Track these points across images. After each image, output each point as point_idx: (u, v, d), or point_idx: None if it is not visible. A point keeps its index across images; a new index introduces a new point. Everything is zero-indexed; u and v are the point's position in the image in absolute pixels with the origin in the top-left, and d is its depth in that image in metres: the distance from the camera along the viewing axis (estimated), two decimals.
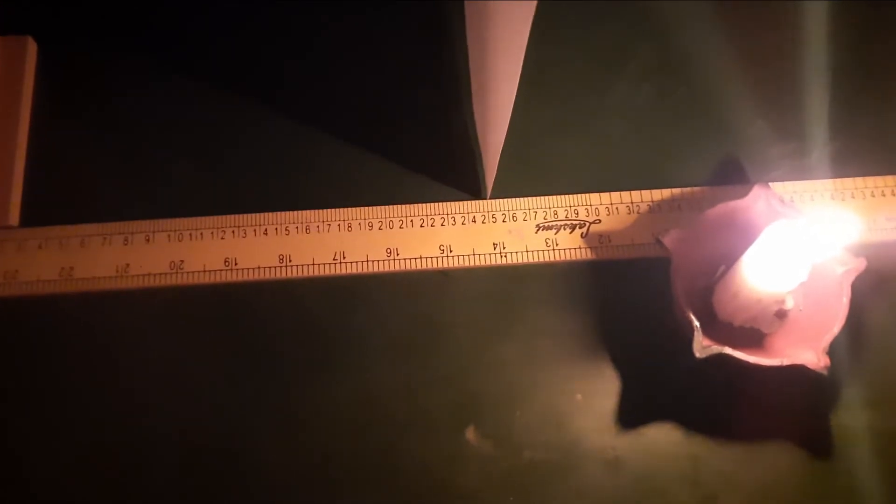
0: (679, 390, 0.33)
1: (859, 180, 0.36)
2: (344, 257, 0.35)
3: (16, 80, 0.38)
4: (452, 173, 0.36)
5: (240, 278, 0.35)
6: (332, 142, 0.37)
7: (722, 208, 0.33)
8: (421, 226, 0.36)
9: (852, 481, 0.32)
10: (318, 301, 0.35)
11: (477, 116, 0.31)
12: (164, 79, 0.38)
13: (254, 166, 0.37)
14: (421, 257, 0.35)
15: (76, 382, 0.34)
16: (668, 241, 0.32)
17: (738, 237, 0.32)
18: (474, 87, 0.30)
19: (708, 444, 0.33)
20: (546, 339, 0.34)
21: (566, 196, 0.36)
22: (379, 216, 0.36)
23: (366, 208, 0.36)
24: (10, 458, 0.33)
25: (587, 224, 0.36)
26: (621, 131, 0.38)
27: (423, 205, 0.36)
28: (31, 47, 0.38)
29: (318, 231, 0.36)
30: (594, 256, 0.35)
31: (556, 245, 0.35)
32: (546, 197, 0.36)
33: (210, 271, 0.35)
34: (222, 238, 0.35)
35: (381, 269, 0.35)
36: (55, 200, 0.36)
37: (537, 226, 0.36)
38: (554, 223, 0.36)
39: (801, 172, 0.37)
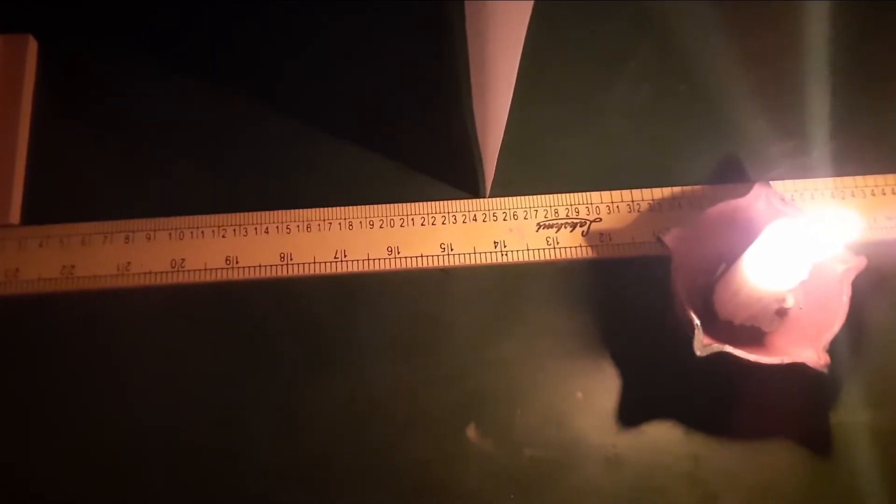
0: (679, 388, 0.33)
1: (859, 179, 0.36)
2: (345, 255, 0.35)
3: (16, 79, 0.38)
4: (452, 172, 0.36)
5: (241, 276, 0.35)
6: (332, 140, 0.37)
7: (722, 207, 0.33)
8: (422, 224, 0.36)
9: (853, 479, 0.32)
10: (319, 299, 0.35)
11: (476, 115, 0.31)
12: (164, 77, 0.38)
13: (255, 165, 0.37)
14: (422, 256, 0.35)
15: (77, 381, 0.34)
16: (668, 239, 0.32)
17: (739, 236, 0.32)
18: (474, 85, 0.30)
19: (708, 442, 0.33)
20: (547, 337, 0.34)
21: (567, 195, 0.36)
22: (380, 214, 0.36)
23: (367, 207, 0.36)
24: (11, 456, 0.33)
25: (588, 222, 0.36)
26: (622, 130, 0.38)
27: (424, 203, 0.36)
28: (32, 45, 0.38)
29: (319, 229, 0.36)
30: (595, 255, 0.35)
31: (557, 243, 0.36)
32: (547, 195, 0.36)
33: (211, 269, 0.35)
34: (223, 236, 0.35)
35: (382, 267, 0.35)
36: (56, 198, 0.36)
37: (538, 224, 0.36)
38: (555, 222, 0.36)
39: (801, 171, 0.37)
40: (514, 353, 0.34)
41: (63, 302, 0.35)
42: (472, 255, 0.35)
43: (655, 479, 0.32)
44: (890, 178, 0.36)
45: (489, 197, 0.36)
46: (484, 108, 0.31)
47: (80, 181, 0.37)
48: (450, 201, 0.36)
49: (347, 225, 0.36)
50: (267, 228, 0.36)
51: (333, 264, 0.35)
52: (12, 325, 0.34)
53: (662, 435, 0.33)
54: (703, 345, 0.30)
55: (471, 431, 0.33)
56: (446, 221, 0.36)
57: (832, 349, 0.30)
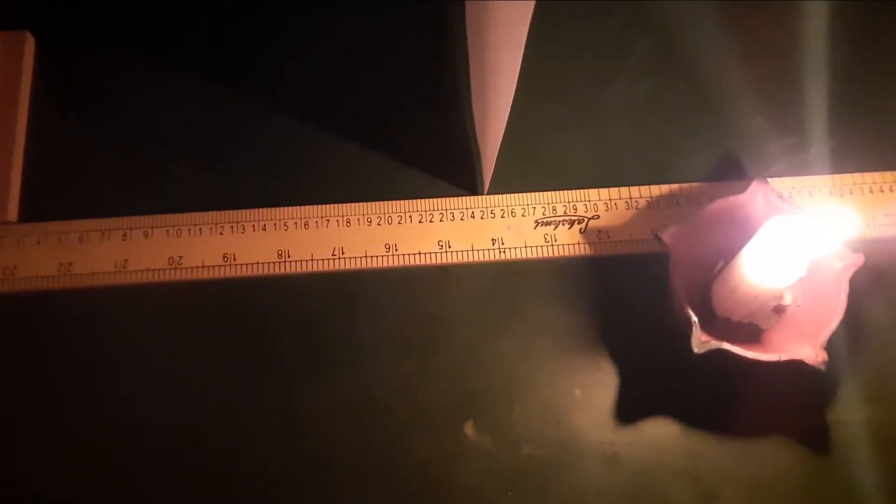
0: (678, 386, 0.33)
1: (857, 176, 0.36)
2: (343, 253, 0.35)
3: (14, 75, 0.37)
4: (450, 169, 0.36)
5: (238, 274, 0.35)
6: (330, 138, 0.37)
7: (720, 204, 0.33)
8: (420, 221, 0.36)
9: (850, 476, 0.32)
10: (317, 296, 0.35)
11: (476, 113, 0.31)
12: (162, 74, 0.38)
13: (252, 162, 0.37)
14: (420, 253, 0.35)
15: (75, 378, 0.34)
16: (666, 236, 0.32)
17: (737, 233, 0.32)
18: (474, 83, 0.30)
19: (706, 439, 0.33)
20: (545, 334, 0.34)
21: (565, 192, 0.36)
22: (377, 212, 0.36)
23: (364, 204, 0.36)
24: (10, 454, 0.33)
25: (586, 220, 0.36)
26: (620, 127, 0.38)
27: (422, 200, 0.36)
28: (29, 42, 0.38)
29: (317, 226, 0.36)
30: (593, 252, 0.35)
31: (555, 241, 0.36)
32: (545, 193, 0.36)
33: (209, 267, 0.35)
34: (221, 233, 0.35)
35: (380, 264, 0.35)
36: (53, 196, 0.36)
37: (536, 221, 0.36)
38: (552, 219, 0.36)
39: (799, 168, 0.37)
40: (512, 350, 0.34)
41: (61, 299, 0.35)
42: (470, 253, 0.35)
43: (653, 477, 0.32)
44: (888, 175, 0.36)
45: (487, 194, 0.36)
46: (484, 106, 0.31)
47: (77, 178, 0.37)
48: (447, 198, 0.36)
49: (345, 222, 0.36)
50: (265, 225, 0.36)
51: (331, 261, 0.35)
52: (10, 322, 0.34)
53: (660, 432, 0.33)
54: (701, 342, 0.30)
55: (469, 429, 0.33)
56: (444, 219, 0.36)
57: (830, 346, 0.30)
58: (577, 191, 0.36)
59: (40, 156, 0.37)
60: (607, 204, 0.36)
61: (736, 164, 0.37)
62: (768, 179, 0.33)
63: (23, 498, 0.32)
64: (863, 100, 0.38)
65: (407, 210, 0.36)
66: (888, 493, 0.32)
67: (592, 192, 0.36)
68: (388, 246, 0.35)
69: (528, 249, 0.35)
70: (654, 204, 0.36)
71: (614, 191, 0.36)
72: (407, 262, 0.35)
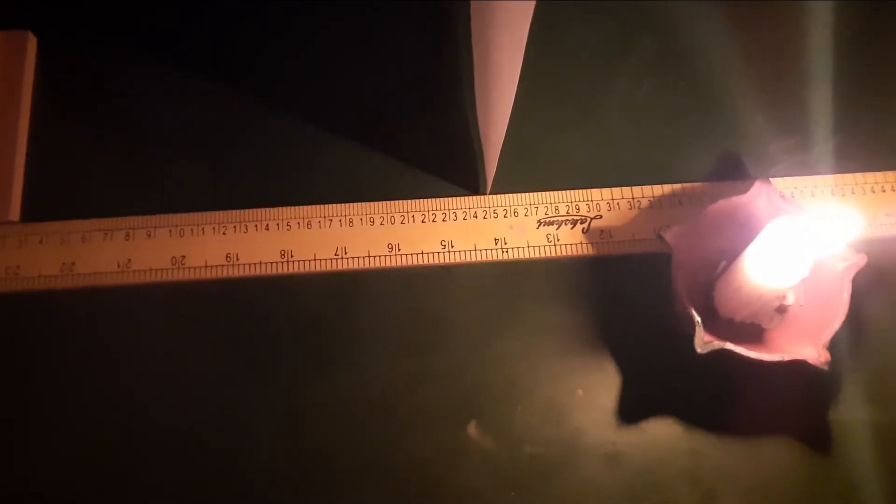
0: (679, 385, 0.33)
1: (859, 176, 0.36)
2: (345, 252, 0.35)
3: (16, 75, 0.37)
4: (453, 169, 0.36)
5: (241, 273, 0.35)
6: (333, 137, 0.37)
7: (723, 204, 0.33)
8: (422, 221, 0.36)
9: (852, 476, 0.32)
10: (320, 296, 0.35)
11: (478, 112, 0.31)
12: (165, 73, 0.38)
13: (255, 161, 0.37)
14: (422, 253, 0.35)
15: (77, 378, 0.34)
16: (669, 236, 0.32)
17: (739, 233, 0.32)
18: (476, 83, 0.30)
19: (708, 439, 0.33)
20: (547, 334, 0.34)
21: (567, 192, 0.36)
22: (380, 211, 0.36)
23: (367, 203, 0.36)
24: (11, 454, 0.33)
25: (588, 219, 0.36)
26: (622, 127, 0.38)
27: (425, 200, 0.36)
28: (31, 42, 0.38)
29: (320, 226, 0.36)
30: (595, 252, 0.35)
31: (558, 240, 0.36)
32: (547, 192, 0.36)
33: (211, 267, 0.35)
34: (224, 233, 0.35)
35: (383, 264, 0.35)
36: (56, 195, 0.36)
37: (538, 221, 0.36)
38: (555, 219, 0.36)
39: (802, 168, 0.37)
40: (514, 350, 0.34)
41: (63, 299, 0.35)
42: (473, 252, 0.35)
43: (655, 476, 0.33)
44: (890, 174, 0.36)
45: (490, 194, 0.36)
46: (487, 106, 0.31)
47: (80, 178, 0.37)
48: (450, 198, 0.36)
49: (348, 222, 0.36)
50: (267, 225, 0.36)
51: (334, 261, 0.35)
52: (13, 322, 0.34)
53: (662, 432, 0.33)
54: (704, 342, 0.30)
55: (471, 428, 0.33)
56: (447, 218, 0.36)
57: (832, 346, 0.30)
58: (580, 190, 0.36)
59: (42, 155, 0.37)
60: (610, 204, 0.36)
61: (738, 163, 0.37)
62: (771, 179, 0.33)
63: (23, 498, 0.32)
64: (864, 99, 0.38)
65: (410, 210, 0.36)
66: (890, 494, 0.32)
67: (595, 192, 0.36)
68: (390, 246, 0.35)
69: (531, 249, 0.35)
70: (657, 204, 0.36)
71: (617, 190, 0.36)
72: (410, 262, 0.35)
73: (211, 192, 0.36)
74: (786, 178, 0.36)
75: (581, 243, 0.35)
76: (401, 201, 0.36)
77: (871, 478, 0.32)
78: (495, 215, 0.36)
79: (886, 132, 0.37)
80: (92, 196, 0.36)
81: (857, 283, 0.31)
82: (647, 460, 0.33)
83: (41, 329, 0.34)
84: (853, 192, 0.36)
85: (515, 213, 0.36)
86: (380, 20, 0.39)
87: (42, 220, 0.36)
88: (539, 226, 0.36)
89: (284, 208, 0.36)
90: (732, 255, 0.32)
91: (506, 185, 0.36)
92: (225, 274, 0.35)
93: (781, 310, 0.32)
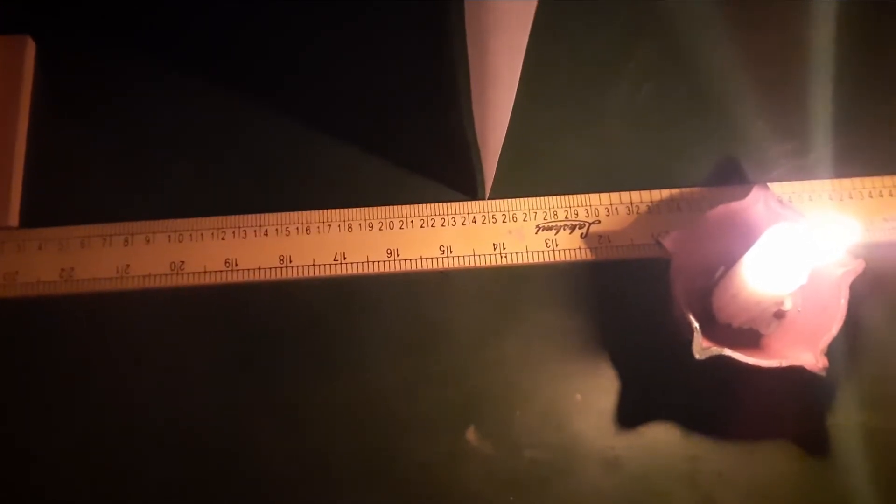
0: (678, 391, 0.33)
1: (857, 181, 0.36)
2: (344, 258, 0.35)
3: (14, 80, 0.37)
4: (452, 174, 0.36)
5: (240, 279, 0.35)
6: (331, 142, 0.37)
7: (721, 210, 0.33)
8: (421, 226, 0.36)
9: (850, 481, 0.32)
10: (319, 302, 0.35)
11: (476, 117, 0.31)
12: (163, 79, 0.38)
13: (254, 167, 0.37)
14: (421, 258, 0.35)
15: (76, 384, 0.34)
16: (667, 242, 0.32)
17: (738, 238, 0.32)
18: (474, 87, 0.30)
19: (707, 444, 0.33)
20: (546, 339, 0.35)
21: (566, 196, 0.36)
22: (379, 217, 0.36)
23: (366, 209, 0.36)
24: (11, 459, 0.33)
25: (587, 224, 0.36)
26: (621, 131, 0.38)
27: (424, 205, 0.36)
28: (30, 47, 0.38)
29: (319, 232, 0.36)
30: (594, 257, 0.35)
31: (556, 245, 0.36)
32: (546, 197, 0.36)
33: (210, 272, 0.35)
34: (223, 239, 0.35)
35: (382, 269, 0.35)
36: (54, 201, 0.36)
37: (537, 226, 0.36)
38: (554, 224, 0.36)
39: (799, 172, 0.37)
40: (513, 355, 0.34)
41: (62, 305, 0.35)
42: (472, 258, 0.35)
43: (654, 481, 0.33)
44: (888, 179, 0.36)
45: (489, 199, 0.36)
46: (484, 110, 0.31)
47: (78, 183, 0.37)
48: (449, 203, 0.36)
49: (347, 227, 0.36)
50: (266, 231, 0.36)
51: (333, 266, 0.35)
52: (11, 327, 0.34)
53: (661, 437, 0.33)
54: (702, 348, 0.30)
55: (470, 433, 0.33)
56: (445, 223, 0.36)
57: (830, 352, 0.30)
58: (579, 195, 0.36)
59: (41, 161, 0.37)
60: (608, 209, 0.36)
61: (737, 168, 0.37)
62: (769, 184, 0.33)
63: (23, 499, 0.32)
64: (863, 104, 0.38)
65: (408, 215, 0.36)
66: (887, 498, 0.32)
67: (594, 197, 0.36)
68: (389, 251, 0.35)
69: (530, 254, 0.35)
70: (655, 209, 0.36)
71: (615, 195, 0.36)
72: (408, 268, 0.35)
73: (210, 197, 0.36)
74: (784, 182, 0.36)
75: (579, 248, 0.36)
76: (399, 206, 0.36)
77: (869, 483, 0.32)
78: (494, 220, 0.36)
79: (885, 137, 0.37)
80: (91, 201, 0.36)
81: (855, 288, 0.31)
82: (645, 465, 0.33)
83: (40, 335, 0.34)
84: (851, 197, 0.36)
85: (514, 218, 0.36)
86: (379, 22, 0.39)
87: (41, 226, 0.36)
88: (538, 231, 0.36)
89: (283, 213, 0.36)
90: (731, 260, 0.32)
91: (505, 189, 0.36)
92: (224, 279, 0.35)
93: (779, 315, 0.33)
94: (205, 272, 0.35)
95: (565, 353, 0.34)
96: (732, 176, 0.37)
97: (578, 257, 0.35)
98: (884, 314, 0.34)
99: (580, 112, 0.38)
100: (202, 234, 0.35)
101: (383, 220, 0.36)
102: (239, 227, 0.36)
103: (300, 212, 0.36)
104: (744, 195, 0.33)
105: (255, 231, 0.36)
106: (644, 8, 0.39)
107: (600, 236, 0.36)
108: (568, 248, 0.36)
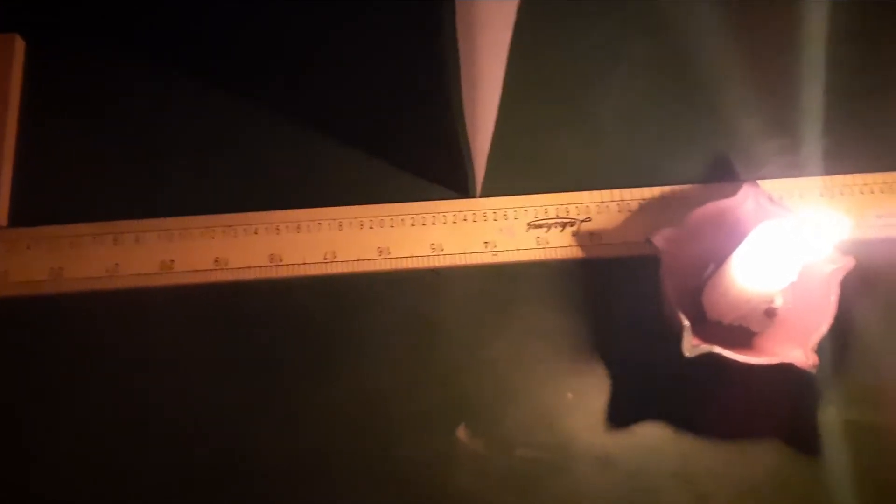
0: (669, 388, 0.33)
1: (848, 177, 0.36)
2: (335, 256, 0.35)
3: (3, 79, 0.37)
4: (442, 172, 0.36)
5: (230, 278, 0.35)
6: (322, 141, 0.37)
7: (711, 207, 0.33)
8: (412, 225, 0.36)
9: (840, 478, 0.32)
10: (309, 300, 0.35)
11: (467, 115, 0.31)
12: (153, 77, 0.38)
13: (244, 165, 0.37)
14: (412, 256, 0.35)
15: (67, 383, 0.34)
16: (657, 240, 0.32)
17: (728, 236, 0.32)
18: (464, 84, 0.30)
19: (698, 441, 0.33)
20: (537, 337, 0.34)
21: (557, 194, 0.36)
22: (370, 215, 0.36)
23: (356, 207, 0.36)
24: (2, 458, 0.33)
25: (578, 222, 0.36)
26: (612, 129, 0.38)
27: (414, 203, 0.36)
28: (19, 45, 0.38)
29: (309, 230, 0.36)
30: (585, 255, 0.35)
31: (547, 243, 0.36)
32: (537, 195, 0.36)
33: (200, 271, 0.35)
34: (212, 237, 0.35)
35: (372, 268, 0.35)
36: (44, 200, 0.36)
37: (528, 224, 0.36)
38: (545, 221, 0.36)
39: (790, 169, 0.37)
40: (504, 353, 0.34)
41: (52, 304, 0.34)
42: (463, 256, 0.35)
43: (646, 479, 0.33)
44: (879, 176, 0.36)
45: (480, 197, 0.36)
46: (474, 108, 0.31)
47: (67, 182, 0.36)
48: (440, 201, 0.36)
49: (337, 225, 0.36)
50: (256, 229, 0.36)
51: (323, 265, 0.35)
52: (1, 327, 0.34)
53: (652, 435, 0.33)
54: (692, 346, 0.30)
55: (461, 431, 0.33)
56: (436, 222, 0.36)
57: (820, 348, 0.30)
58: (570, 193, 0.36)
59: (31, 160, 0.37)
60: (599, 206, 0.36)
61: (728, 165, 0.37)
62: (760, 181, 0.33)
63: (20, 499, 0.32)
64: (853, 100, 0.38)
65: (399, 213, 0.36)
66: (877, 495, 0.32)
67: (584, 195, 0.36)
68: (380, 249, 0.35)
69: (521, 252, 0.35)
70: (646, 206, 0.36)
71: (606, 193, 0.36)
72: (399, 266, 0.35)
73: (199, 196, 0.36)
74: (775, 179, 0.36)
75: (571, 246, 0.35)
76: (390, 205, 0.36)
77: (860, 479, 0.32)
78: (485, 218, 0.36)
79: (875, 133, 0.37)
80: (80, 200, 0.36)
81: (846, 284, 0.31)
82: (637, 463, 0.33)
83: (30, 334, 0.34)
84: (842, 194, 0.36)
85: (505, 216, 0.36)
86: (370, 21, 0.39)
87: (30, 225, 0.36)
88: (529, 229, 0.36)
89: (273, 212, 0.36)
90: (721, 258, 0.32)
91: (496, 187, 0.36)
92: (214, 278, 0.35)
93: (770, 313, 0.32)
94: (194, 271, 0.35)
95: (557, 352, 0.34)
96: (724, 173, 0.37)
97: (570, 255, 0.35)
98: (875, 311, 0.34)
99: (572, 110, 0.38)
100: (192, 233, 0.35)
101: (373, 218, 0.36)
102: (229, 226, 0.36)
103: (290, 210, 0.36)
104: (735, 193, 0.33)
105: (244, 229, 0.35)
106: (636, 6, 0.39)
107: (591, 234, 0.36)
108: (559, 245, 0.35)
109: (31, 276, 0.35)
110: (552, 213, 0.36)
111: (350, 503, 0.32)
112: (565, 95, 0.38)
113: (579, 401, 0.34)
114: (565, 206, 0.36)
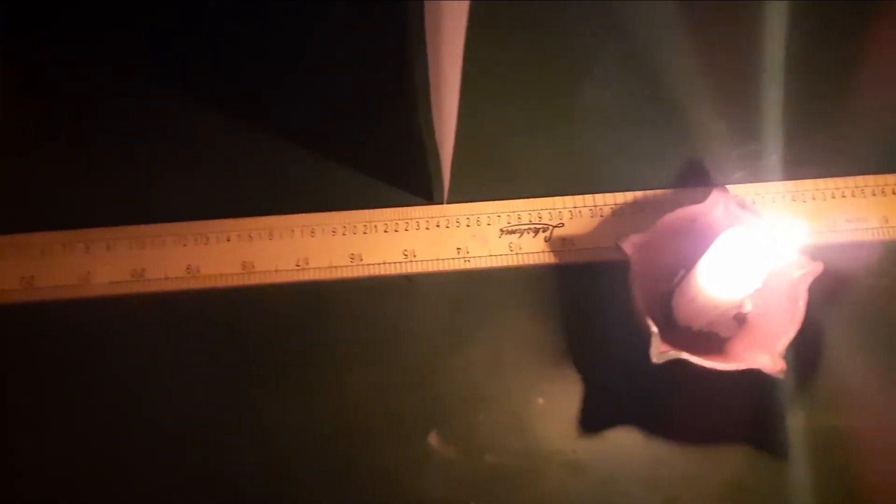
0: (640, 394, 0.33)
1: (820, 181, 0.37)
2: (307, 263, 0.35)
3: None
4: (411, 178, 0.36)
5: (202, 285, 0.35)
6: (294, 147, 0.37)
7: (681, 213, 0.33)
8: (384, 231, 0.36)
9: (809, 482, 0.32)
10: (282, 307, 0.35)
11: (434, 119, 0.31)
12: (124, 85, 0.38)
13: (215, 172, 0.37)
14: (385, 263, 0.35)
15: (37, 394, 0.34)
16: (627, 246, 0.32)
17: (698, 241, 0.32)
18: (432, 90, 0.30)
19: (668, 446, 0.33)
20: (509, 343, 0.35)
21: (529, 200, 0.36)
22: (342, 221, 0.36)
23: (329, 213, 0.36)
24: None
25: (550, 228, 0.36)
26: (585, 134, 0.38)
27: (387, 210, 0.36)
28: None
29: (281, 237, 0.36)
30: (557, 260, 0.35)
31: (520, 249, 0.36)
32: (509, 201, 0.36)
33: (172, 279, 0.35)
34: (184, 245, 0.35)
35: (345, 274, 0.35)
36: (14, 208, 0.36)
37: (501, 230, 0.36)
38: (517, 227, 0.36)
39: (761, 174, 0.37)
40: (476, 359, 0.34)
41: (24, 313, 0.34)
42: (435, 262, 0.35)
43: (617, 483, 0.33)
44: (850, 180, 0.37)
45: (448, 203, 0.36)
46: (439, 113, 0.31)
47: (38, 190, 0.36)
48: (412, 207, 0.36)
49: (309, 232, 0.36)
50: (228, 237, 0.35)
51: (296, 272, 0.35)
52: None
53: (623, 440, 0.33)
54: (660, 352, 0.30)
55: (433, 438, 0.33)
56: (409, 228, 0.36)
57: (789, 353, 0.30)
58: (542, 199, 0.36)
59: (0, 168, 0.37)
60: (572, 212, 0.36)
61: (701, 170, 0.37)
62: (731, 186, 0.33)
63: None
64: (824, 105, 0.38)
65: (371, 220, 0.36)
66: (846, 497, 0.32)
67: (557, 200, 0.36)
68: (352, 256, 0.35)
69: (493, 258, 0.35)
70: (619, 211, 0.36)
71: (579, 198, 0.36)
72: (372, 272, 0.35)
73: (170, 203, 0.36)
74: (747, 184, 0.36)
75: (543, 252, 0.35)
76: (362, 211, 0.36)
77: (826, 483, 0.32)
78: (457, 224, 0.36)
79: (846, 138, 0.37)
80: (50, 208, 0.36)
81: (815, 289, 0.31)
82: (608, 468, 0.33)
83: (1, 344, 0.34)
84: (814, 198, 0.36)
85: (478, 222, 0.36)
86: (338, 29, 0.39)
87: (0, 234, 0.35)
88: (501, 234, 0.36)
89: (245, 219, 0.36)
90: (691, 264, 0.32)
91: (468, 193, 0.36)
92: (186, 286, 0.35)
93: (740, 318, 0.33)
94: (166, 279, 0.35)
95: (528, 357, 0.34)
96: (697, 178, 0.37)
97: (542, 261, 0.35)
98: (843, 316, 0.34)
99: (544, 114, 0.38)
100: (163, 241, 0.35)
101: (346, 225, 0.36)
102: (200, 233, 0.35)
103: (262, 217, 0.36)
104: (706, 198, 0.33)
105: (217, 237, 0.35)
106: (609, 11, 0.39)
107: (564, 239, 0.36)
108: (531, 251, 0.36)
109: (2, 285, 0.34)
110: (525, 219, 0.36)
111: None
112: (538, 100, 0.38)
113: (550, 406, 0.34)
114: (538, 211, 0.36)
